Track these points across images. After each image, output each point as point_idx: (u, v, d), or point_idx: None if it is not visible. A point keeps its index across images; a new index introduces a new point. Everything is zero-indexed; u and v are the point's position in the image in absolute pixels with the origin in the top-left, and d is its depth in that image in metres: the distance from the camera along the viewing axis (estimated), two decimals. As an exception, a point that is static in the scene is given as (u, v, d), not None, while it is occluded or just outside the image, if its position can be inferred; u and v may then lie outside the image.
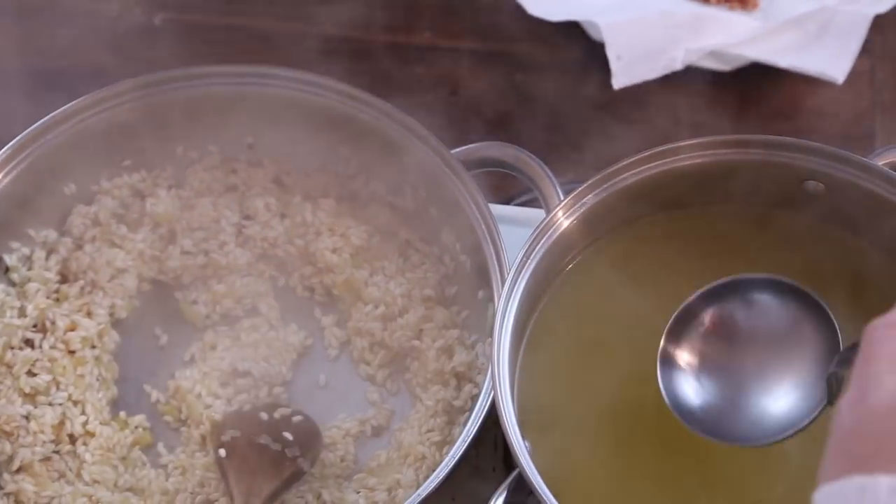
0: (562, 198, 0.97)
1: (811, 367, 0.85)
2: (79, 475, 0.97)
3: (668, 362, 0.87)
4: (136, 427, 1.01)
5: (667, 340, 0.88)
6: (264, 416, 0.98)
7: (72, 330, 1.02)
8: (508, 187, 1.15)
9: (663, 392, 0.87)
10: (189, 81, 1.06)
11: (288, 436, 0.96)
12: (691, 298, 0.88)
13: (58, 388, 1.00)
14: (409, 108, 1.05)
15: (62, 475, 0.97)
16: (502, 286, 0.93)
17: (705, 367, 0.87)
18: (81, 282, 1.04)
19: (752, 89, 1.21)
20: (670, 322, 0.88)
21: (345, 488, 0.96)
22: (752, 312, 0.88)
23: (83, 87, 1.07)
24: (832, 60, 1.19)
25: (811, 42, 1.20)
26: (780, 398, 0.85)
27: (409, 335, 1.02)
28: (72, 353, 1.01)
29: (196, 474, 0.97)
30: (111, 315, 1.04)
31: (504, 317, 0.91)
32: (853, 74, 1.19)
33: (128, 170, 1.08)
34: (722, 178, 0.97)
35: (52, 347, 1.01)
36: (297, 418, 0.98)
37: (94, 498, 0.96)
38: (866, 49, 1.21)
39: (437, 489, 0.90)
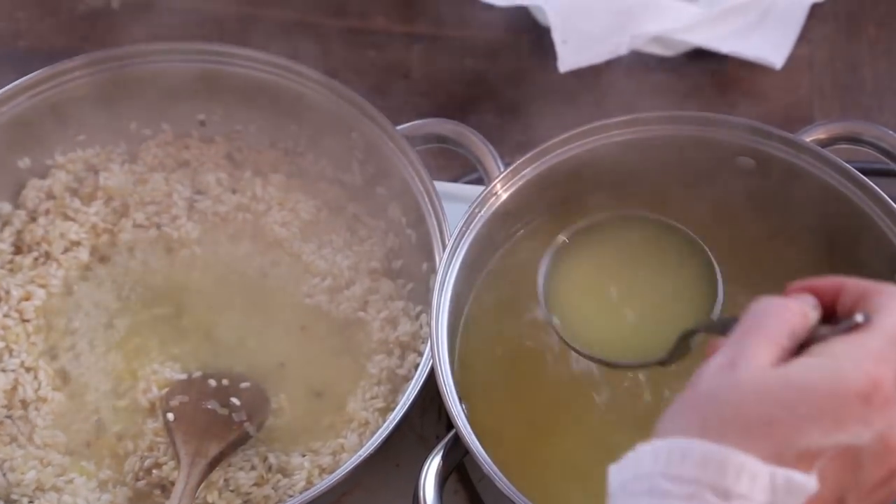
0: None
1: (685, 313, 0.84)
2: (30, 439, 0.99)
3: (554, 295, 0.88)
4: (88, 393, 1.03)
5: (548, 272, 0.88)
6: (213, 382, 1.00)
7: (26, 299, 1.04)
8: (455, 167, 1.19)
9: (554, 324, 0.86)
10: (143, 58, 1.09)
11: (235, 401, 0.99)
12: (569, 233, 0.88)
13: (10, 355, 1.02)
14: (362, 91, 1.09)
15: (14, 439, 0.99)
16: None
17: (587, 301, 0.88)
18: (35, 253, 1.07)
19: (695, 74, 1.25)
20: (548, 257, 0.87)
21: (291, 452, 0.99)
22: (634, 250, 0.88)
23: (40, 68, 1.09)
24: (771, 47, 1.23)
25: (751, 29, 1.24)
26: (651, 332, 0.84)
27: (355, 306, 1.05)
28: (26, 321, 1.04)
29: (146, 439, 1.00)
30: (64, 286, 1.07)
31: (443, 284, 0.94)
32: (792, 61, 1.23)
33: (82, 144, 1.11)
34: (656, 154, 1.00)
35: (6, 316, 1.04)
36: (244, 385, 1.01)
37: (45, 461, 0.98)
38: (805, 37, 1.25)
39: (381, 455, 0.93)
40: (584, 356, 0.86)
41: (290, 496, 0.96)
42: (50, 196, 1.09)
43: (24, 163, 1.09)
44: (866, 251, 0.97)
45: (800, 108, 1.24)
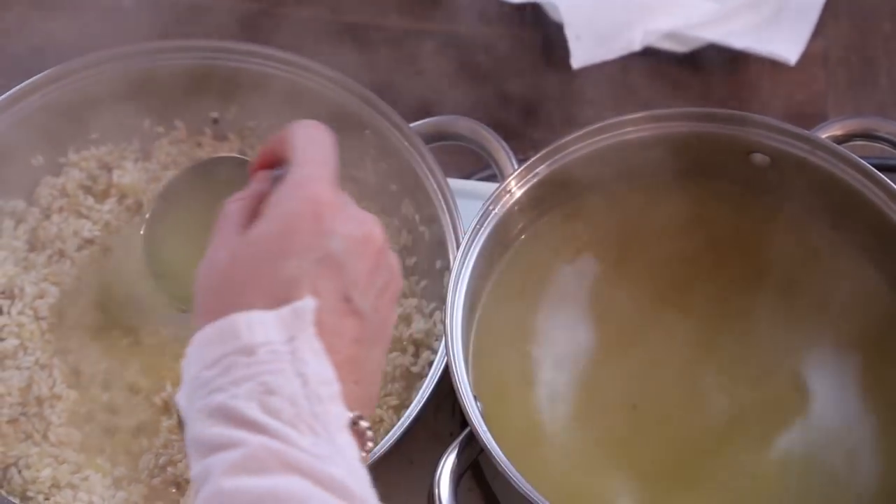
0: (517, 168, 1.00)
1: None
2: (45, 436, 0.99)
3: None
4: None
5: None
6: (227, 380, 1.00)
7: (40, 297, 1.04)
8: (469, 165, 1.18)
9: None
10: (155, 56, 1.09)
11: (249, 399, 0.99)
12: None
13: (25, 353, 1.02)
14: (375, 89, 1.08)
15: (29, 436, 0.99)
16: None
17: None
18: (49, 251, 1.07)
19: (708, 70, 1.25)
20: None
21: (304, 450, 0.99)
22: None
23: (52, 66, 1.10)
24: (786, 42, 1.23)
25: (766, 24, 1.24)
26: None
27: (369, 304, 1.05)
28: (40, 319, 1.04)
29: (160, 436, 1.00)
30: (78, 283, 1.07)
31: (458, 281, 0.94)
32: (807, 57, 1.23)
33: (95, 142, 1.11)
34: (670, 151, 1.00)
35: (21, 313, 1.04)
36: (258, 382, 1.01)
37: (60, 458, 0.98)
38: (820, 32, 1.25)
39: (395, 452, 0.93)
40: None
41: (305, 494, 0.96)
42: (63, 194, 1.09)
43: (38, 161, 1.09)
44: (883, 248, 0.97)
45: (814, 104, 1.24)
